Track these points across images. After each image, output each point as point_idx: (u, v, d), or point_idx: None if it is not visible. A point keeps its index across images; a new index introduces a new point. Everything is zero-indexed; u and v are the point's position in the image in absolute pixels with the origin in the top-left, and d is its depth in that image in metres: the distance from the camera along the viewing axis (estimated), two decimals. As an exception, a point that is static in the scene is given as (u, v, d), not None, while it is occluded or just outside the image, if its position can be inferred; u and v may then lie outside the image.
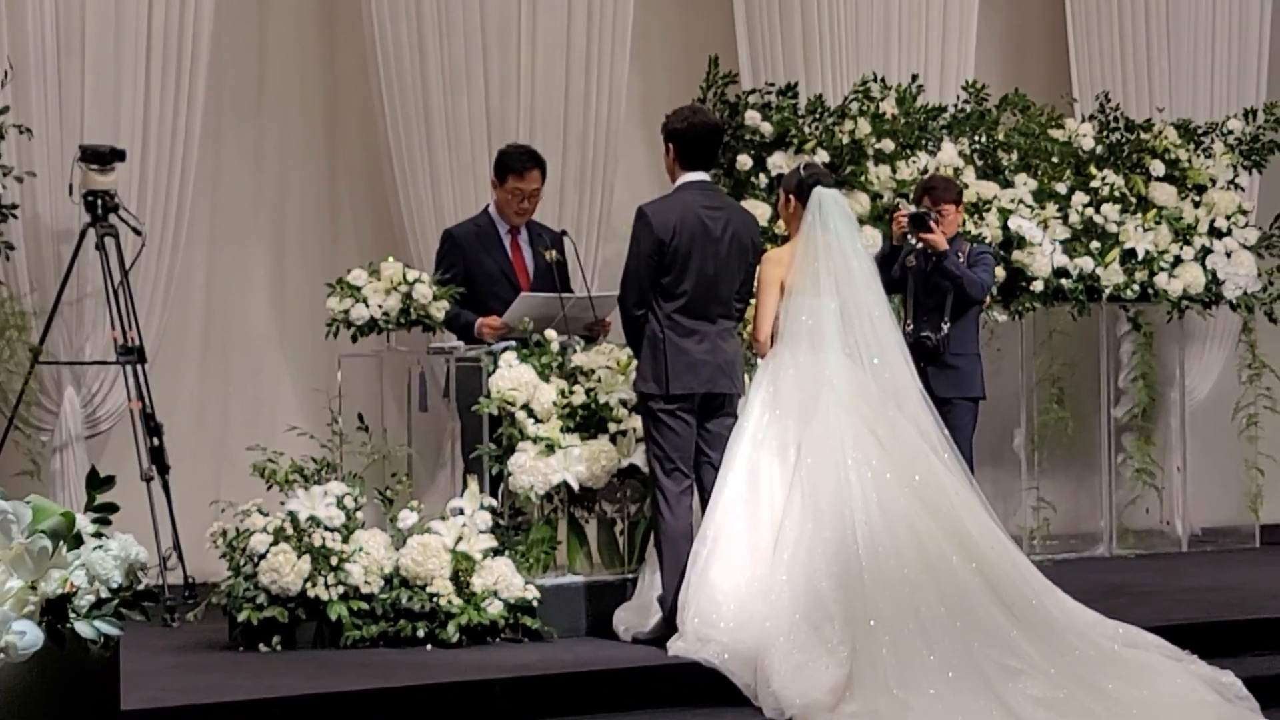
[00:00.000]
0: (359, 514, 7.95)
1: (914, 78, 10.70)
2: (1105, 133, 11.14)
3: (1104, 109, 11.21)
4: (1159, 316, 11.27)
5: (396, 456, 8.34)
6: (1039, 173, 10.75)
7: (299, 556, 7.68)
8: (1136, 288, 10.87)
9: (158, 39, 9.30)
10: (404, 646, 7.71)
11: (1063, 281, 10.63)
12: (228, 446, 9.67)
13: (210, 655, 7.65)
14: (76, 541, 5.64)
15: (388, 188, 9.93)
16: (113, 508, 5.82)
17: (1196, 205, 11.14)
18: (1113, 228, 10.80)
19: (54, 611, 5.52)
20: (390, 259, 8.59)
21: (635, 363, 7.98)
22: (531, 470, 8.02)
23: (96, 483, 5.81)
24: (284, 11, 10.11)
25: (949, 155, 10.43)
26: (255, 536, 7.75)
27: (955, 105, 10.76)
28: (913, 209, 9.17)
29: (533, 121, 10.07)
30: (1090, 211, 10.77)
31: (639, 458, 8.11)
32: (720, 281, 7.89)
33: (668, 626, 7.65)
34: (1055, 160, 10.82)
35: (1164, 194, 11.04)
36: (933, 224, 8.98)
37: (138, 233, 8.84)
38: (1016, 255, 10.42)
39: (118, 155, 8.82)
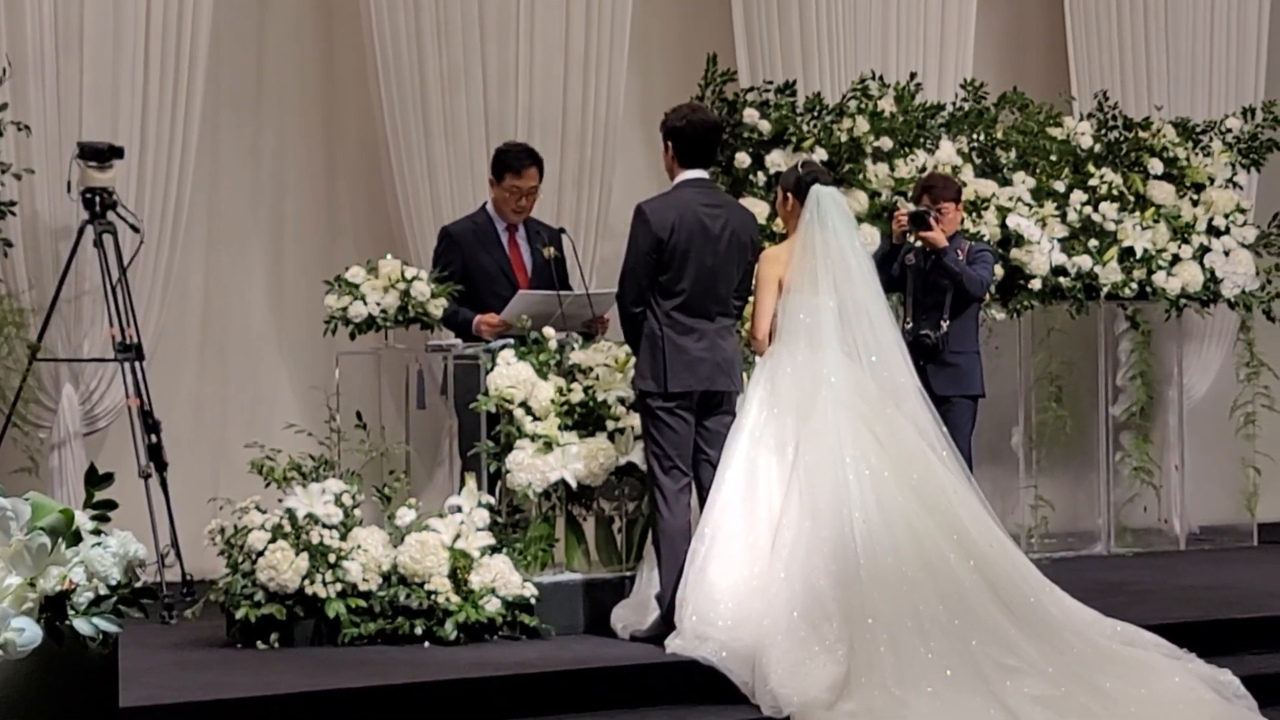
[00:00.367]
0: (357, 511, 7.95)
1: (912, 76, 10.70)
2: (1103, 131, 11.14)
3: (1102, 107, 11.21)
4: (1157, 315, 11.27)
5: (394, 454, 8.34)
6: (1037, 171, 10.75)
7: (297, 554, 7.68)
8: (1135, 286, 10.87)
9: (156, 37, 9.30)
10: (402, 644, 7.71)
11: (1061, 280, 10.63)
12: (226, 444, 9.67)
13: (208, 652, 7.64)
14: (75, 538, 5.64)
15: (386, 185, 9.94)
16: (111, 505, 5.81)
17: (1195, 204, 11.14)
18: (1111, 226, 10.80)
19: (53, 608, 5.52)
20: (388, 256, 8.59)
21: (633, 360, 7.98)
22: (529, 468, 8.02)
23: (95, 480, 5.81)
24: (282, 10, 10.12)
25: (947, 153, 10.43)
26: (253, 534, 7.75)
27: (954, 103, 10.76)
28: (912, 207, 9.18)
29: (531, 119, 10.07)
30: (1088, 210, 10.77)
31: (637, 455, 8.11)
32: (719, 279, 7.89)
33: (665, 624, 7.65)
34: (1053, 158, 10.82)
35: (1162, 192, 11.04)
36: (932, 222, 8.99)
37: (136, 230, 8.85)
38: (1015, 253, 10.42)
39: (116, 153, 8.82)
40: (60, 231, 9.03)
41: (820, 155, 9.99)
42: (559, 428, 8.10)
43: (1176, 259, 10.97)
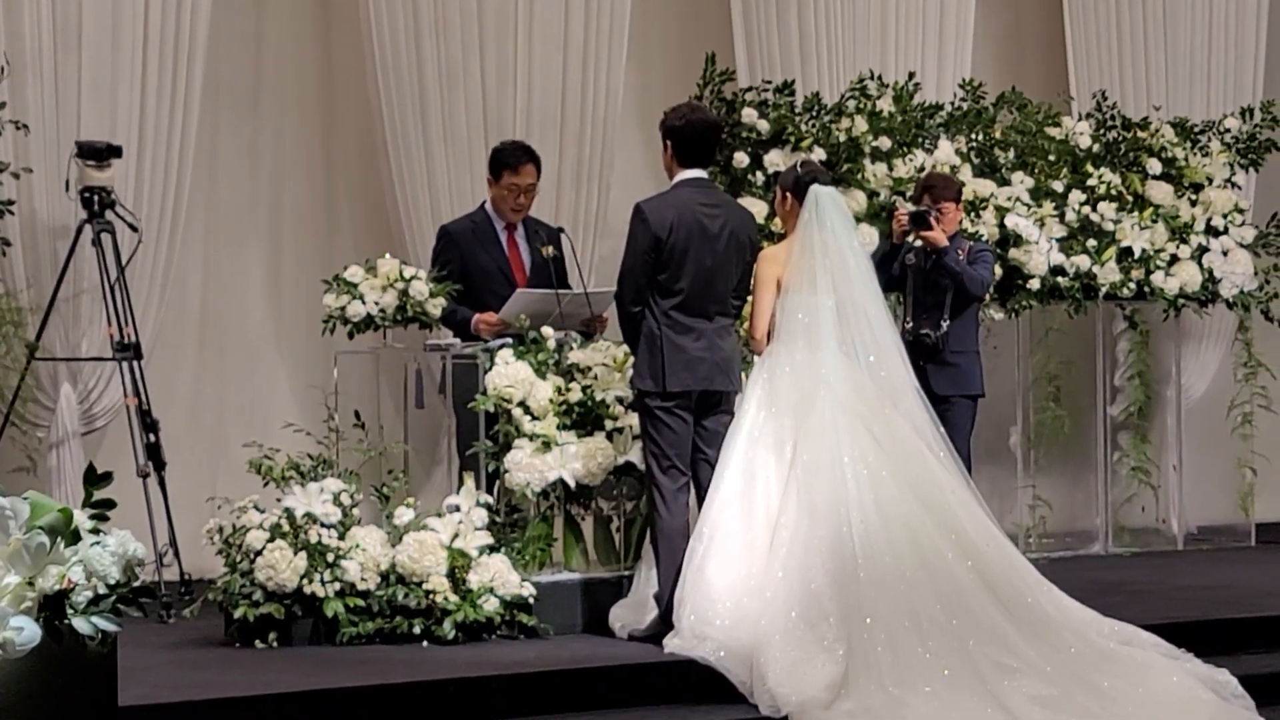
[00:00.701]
0: (355, 511, 7.95)
1: (911, 75, 10.70)
2: (1102, 131, 11.14)
3: (1101, 107, 11.21)
4: (1155, 315, 11.27)
5: (393, 453, 8.35)
6: (1036, 171, 10.75)
7: (295, 553, 7.68)
8: (1133, 286, 10.87)
9: (154, 35, 9.30)
10: (400, 643, 7.71)
11: (1059, 280, 10.63)
12: (224, 443, 9.67)
13: (207, 651, 7.64)
14: (74, 538, 5.64)
15: (384, 184, 9.93)
16: (110, 504, 5.82)
17: (1193, 204, 11.14)
18: (1109, 226, 10.80)
19: (51, 607, 5.53)
20: (387, 255, 8.59)
21: (632, 360, 7.98)
22: (528, 467, 8.02)
23: (94, 479, 5.81)
24: (281, 8, 10.11)
25: (946, 153, 10.43)
26: (251, 533, 7.75)
27: (952, 103, 10.76)
28: (912, 207, 9.18)
29: (529, 118, 10.07)
30: (1087, 210, 10.78)
31: (635, 455, 8.11)
32: (717, 279, 7.88)
33: (664, 624, 7.65)
34: (1052, 158, 10.82)
35: (1161, 192, 11.05)
36: (933, 221, 8.99)
37: (134, 229, 8.84)
38: (1013, 253, 10.42)
39: (114, 151, 8.82)
40: (58, 230, 9.02)
41: (819, 155, 10.00)
42: (557, 427, 8.10)
43: (1175, 259, 10.97)
